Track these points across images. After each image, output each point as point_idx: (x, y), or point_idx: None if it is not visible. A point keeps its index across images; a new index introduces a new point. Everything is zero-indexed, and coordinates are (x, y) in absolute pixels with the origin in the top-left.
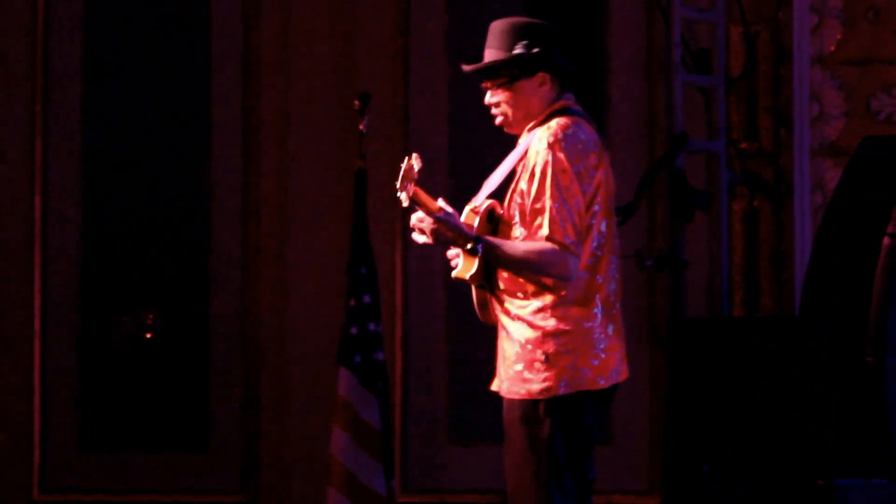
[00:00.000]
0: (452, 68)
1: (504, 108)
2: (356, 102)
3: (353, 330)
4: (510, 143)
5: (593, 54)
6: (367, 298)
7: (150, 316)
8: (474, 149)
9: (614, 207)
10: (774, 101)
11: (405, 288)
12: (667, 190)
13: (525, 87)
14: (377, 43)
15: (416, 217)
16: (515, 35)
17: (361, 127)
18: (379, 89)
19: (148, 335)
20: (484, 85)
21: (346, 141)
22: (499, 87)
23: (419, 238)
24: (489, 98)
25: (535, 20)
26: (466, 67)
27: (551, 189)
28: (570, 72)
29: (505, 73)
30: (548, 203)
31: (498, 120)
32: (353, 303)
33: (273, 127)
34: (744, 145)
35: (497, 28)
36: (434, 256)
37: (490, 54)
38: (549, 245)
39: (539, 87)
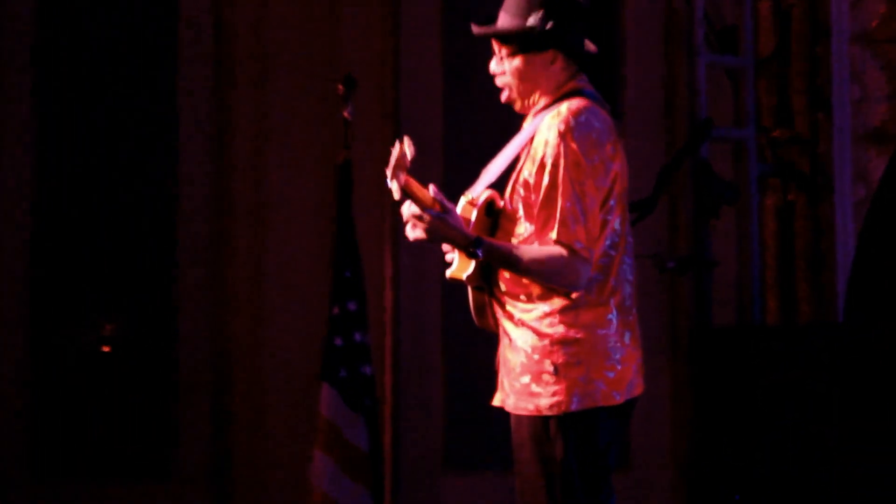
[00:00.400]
0: (448, 46)
1: (509, 78)
2: (340, 87)
3: (337, 341)
4: (512, 128)
5: (606, 32)
6: (352, 305)
7: (109, 327)
8: (472, 134)
9: (629, 203)
10: (810, 84)
11: (396, 293)
12: (689, 183)
13: (535, 62)
14: (364, 20)
15: (409, 209)
16: (533, 2)
17: (346, 114)
18: (366, 71)
19: (106, 348)
20: (494, 50)
21: (328, 129)
22: (508, 55)
23: (412, 233)
24: (495, 66)
25: None
26: (476, 29)
27: (563, 184)
28: (587, 52)
29: (516, 43)
30: (559, 201)
31: (504, 95)
32: (336, 310)
33: (246, 114)
34: (776, 133)
35: None
36: (428, 257)
37: (503, 19)
38: (557, 250)
39: (550, 64)
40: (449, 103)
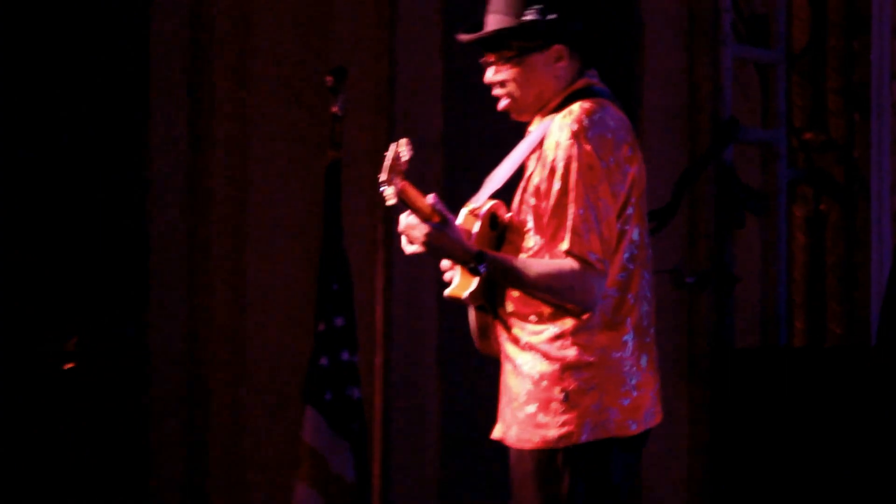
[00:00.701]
0: (449, 37)
1: (511, 87)
2: (329, 79)
3: (323, 360)
4: (520, 129)
5: (621, 20)
6: (339, 321)
7: (73, 341)
8: (476, 134)
9: (647, 211)
10: (847, 82)
11: (388, 308)
12: (712, 189)
13: (537, 63)
14: (357, 8)
15: (406, 220)
16: None
17: (335, 109)
18: (358, 63)
19: (69, 365)
20: (485, 59)
21: (316, 126)
22: (505, 61)
23: (408, 246)
24: (491, 76)
25: None
26: (463, 37)
27: (575, 190)
28: (595, 43)
29: (513, 45)
30: (570, 208)
31: (502, 104)
32: (322, 327)
33: (225, 110)
34: (808, 135)
35: None
36: (424, 269)
37: (494, 20)
38: (568, 264)
39: (555, 62)
40: (450, 99)
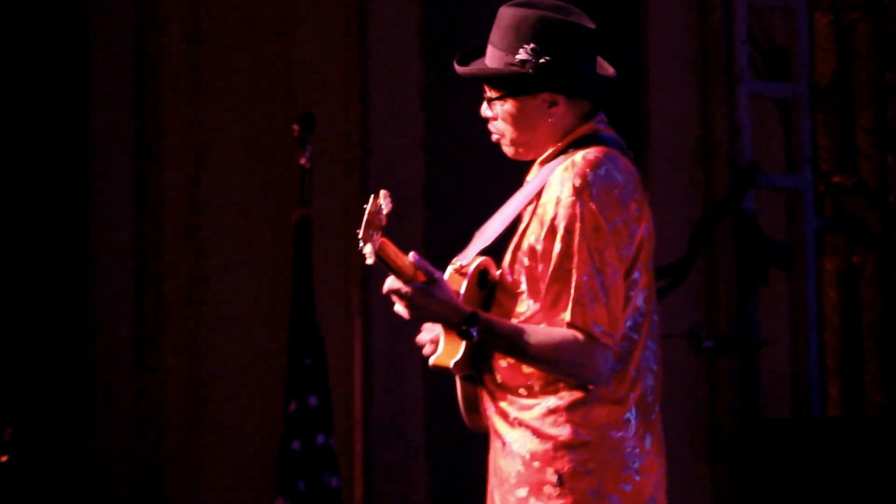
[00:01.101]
0: (429, 76)
1: (501, 126)
2: (295, 127)
3: (295, 444)
4: (513, 176)
5: (625, 54)
6: (313, 401)
7: (8, 431)
8: (461, 183)
9: (656, 268)
10: (878, 119)
11: (367, 384)
12: (731, 242)
13: (527, 106)
14: (324, 43)
15: (391, 282)
16: (524, 32)
17: (303, 161)
18: (327, 106)
19: (3, 458)
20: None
21: (282, 180)
22: (497, 97)
23: (403, 311)
24: (483, 109)
25: (559, 10)
26: (460, 69)
27: (579, 253)
28: (597, 86)
29: (502, 85)
30: (574, 274)
31: (494, 138)
32: (294, 407)
33: (176, 163)
34: (837, 179)
35: (505, 17)
36: (409, 341)
37: (489, 54)
38: (571, 335)
39: (547, 108)
40: (431, 143)
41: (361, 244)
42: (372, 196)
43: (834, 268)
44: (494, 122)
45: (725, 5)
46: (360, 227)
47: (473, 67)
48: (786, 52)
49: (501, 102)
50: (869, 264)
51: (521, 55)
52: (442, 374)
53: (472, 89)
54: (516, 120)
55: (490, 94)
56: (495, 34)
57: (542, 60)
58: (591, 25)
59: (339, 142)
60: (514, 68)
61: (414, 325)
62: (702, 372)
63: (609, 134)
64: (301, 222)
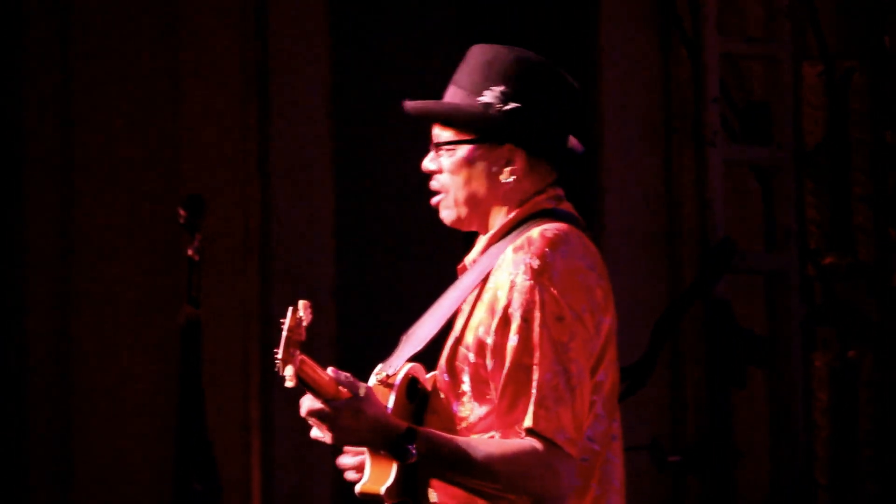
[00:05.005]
0: (339, 144)
1: (447, 179)
2: (181, 212)
3: None
4: (445, 262)
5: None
6: None
7: None
8: (381, 278)
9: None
10: (878, 188)
11: None
12: (701, 336)
13: (482, 158)
14: (218, 107)
15: (308, 404)
16: (494, 72)
17: (191, 252)
18: (218, 185)
19: None
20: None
21: (167, 273)
22: (447, 142)
23: (324, 436)
24: (426, 161)
25: (539, 59)
26: (409, 105)
27: (541, 348)
28: (566, 157)
29: (459, 126)
30: (535, 372)
31: (433, 199)
32: None
33: (43, 249)
34: (829, 259)
35: (474, 55)
36: (318, 463)
37: (449, 94)
38: (529, 445)
39: (502, 166)
40: (344, 235)
41: (280, 366)
42: (290, 308)
43: (824, 365)
44: (439, 176)
45: (693, 57)
46: (278, 347)
47: (427, 103)
48: (766, 110)
49: (451, 151)
50: (866, 361)
51: (486, 97)
52: (369, 503)
53: (392, 162)
54: (468, 172)
55: (440, 136)
56: (461, 73)
57: (510, 106)
58: (576, 85)
59: (235, 227)
60: (478, 109)
61: (323, 444)
62: (667, 490)
63: (566, 210)
64: (189, 324)
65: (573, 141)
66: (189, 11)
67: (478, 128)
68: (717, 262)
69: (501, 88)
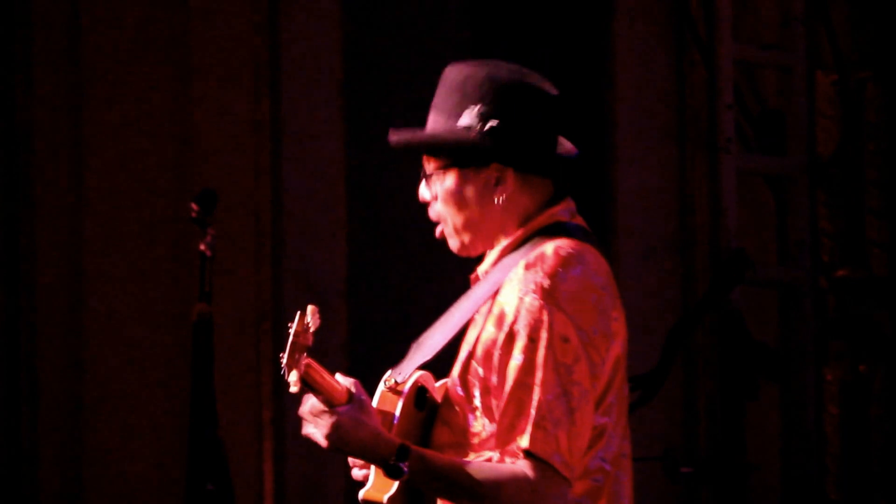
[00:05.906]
0: (350, 145)
1: (442, 209)
2: (193, 206)
3: None
4: (457, 275)
5: (589, 122)
6: None
7: None
8: (393, 286)
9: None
10: (892, 200)
11: None
12: (714, 348)
13: (472, 182)
14: (229, 109)
15: (309, 404)
16: (470, 92)
17: (203, 247)
18: (232, 183)
19: None
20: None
21: (175, 269)
22: (436, 170)
23: (312, 431)
24: (422, 190)
25: (514, 71)
26: (394, 137)
27: (544, 368)
28: (557, 165)
29: (442, 153)
30: (535, 393)
31: (438, 231)
32: None
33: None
34: (841, 272)
35: (450, 76)
36: (328, 464)
37: (431, 119)
38: (522, 468)
39: (494, 185)
40: (357, 236)
41: (285, 371)
42: (298, 313)
43: (837, 379)
44: (434, 206)
45: (708, 62)
46: (283, 351)
47: (406, 135)
48: (780, 119)
49: (441, 177)
50: (879, 375)
51: (465, 118)
52: None
53: (406, 160)
54: (458, 199)
55: (428, 166)
56: (438, 95)
57: (489, 125)
58: (553, 92)
59: (247, 224)
60: (456, 134)
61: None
62: (679, 502)
63: (577, 224)
64: (200, 320)
65: (566, 145)
66: (200, 7)
67: (460, 153)
68: (729, 274)
69: (478, 108)
